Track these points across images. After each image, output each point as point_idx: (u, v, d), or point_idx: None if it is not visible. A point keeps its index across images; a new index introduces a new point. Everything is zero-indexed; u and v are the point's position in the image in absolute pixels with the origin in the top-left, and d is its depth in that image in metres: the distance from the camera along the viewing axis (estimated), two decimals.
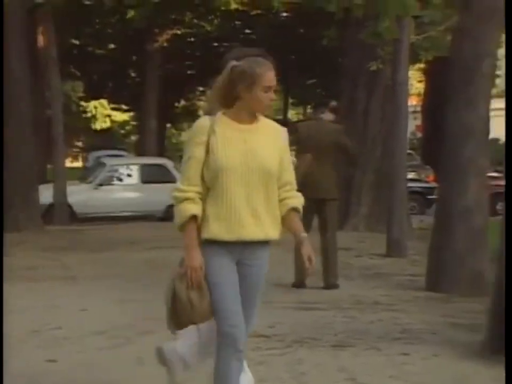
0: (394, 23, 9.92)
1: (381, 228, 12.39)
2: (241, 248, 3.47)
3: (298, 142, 8.13)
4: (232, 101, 3.48)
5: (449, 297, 7.68)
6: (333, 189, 8.17)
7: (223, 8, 20.59)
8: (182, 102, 35.20)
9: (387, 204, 11.63)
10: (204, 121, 3.52)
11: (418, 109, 30.40)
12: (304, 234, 3.51)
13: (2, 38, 12.77)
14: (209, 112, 3.54)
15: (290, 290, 7.94)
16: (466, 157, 8.18)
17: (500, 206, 14.70)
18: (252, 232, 3.46)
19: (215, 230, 3.43)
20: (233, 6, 19.61)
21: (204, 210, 3.46)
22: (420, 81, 35.00)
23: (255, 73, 3.45)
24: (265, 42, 21.75)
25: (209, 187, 3.46)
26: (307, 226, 8.25)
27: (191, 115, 36.89)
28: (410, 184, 14.75)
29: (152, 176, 17.14)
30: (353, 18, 12.35)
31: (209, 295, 3.43)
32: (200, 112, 41.28)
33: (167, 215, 16.68)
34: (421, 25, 11.94)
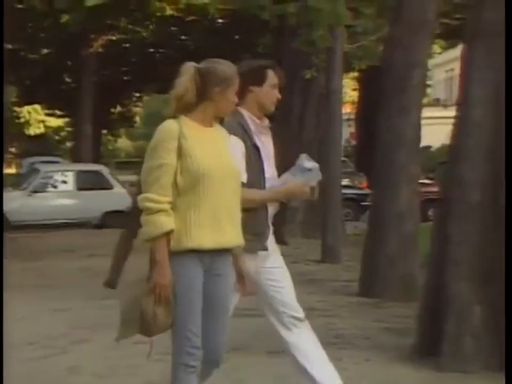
0: (327, 32, 10.07)
1: (316, 234, 12.52)
2: (213, 256, 3.38)
3: None
4: (197, 103, 3.40)
5: (381, 302, 7.82)
6: None
7: (158, 14, 20.54)
8: (118, 108, 34.93)
9: (322, 211, 11.77)
10: (171, 124, 3.37)
11: (353, 116, 30.82)
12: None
13: (2, 38, 12.56)
14: (173, 116, 3.41)
15: None
16: (398, 164, 8.36)
17: (431, 212, 15.00)
18: (231, 238, 3.40)
19: (198, 238, 3.31)
20: (169, 12, 19.59)
21: (182, 219, 3.31)
22: (354, 89, 35.45)
23: (229, 76, 3.43)
24: (200, 49, 21.81)
25: (183, 193, 3.32)
26: None
27: (127, 121, 36.63)
28: (344, 191, 14.92)
29: (87, 182, 16.98)
30: (287, 26, 12.48)
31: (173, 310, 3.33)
32: (137, 118, 41.10)
33: (103, 222, 16.55)
34: (354, 35, 12.14)
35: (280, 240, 4.06)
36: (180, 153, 3.31)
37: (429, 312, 5.32)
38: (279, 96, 3.98)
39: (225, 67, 3.44)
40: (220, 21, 23.67)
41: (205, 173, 3.31)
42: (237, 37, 24.73)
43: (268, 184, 3.89)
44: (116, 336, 3.46)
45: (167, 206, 3.28)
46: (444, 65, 43.62)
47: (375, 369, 5.19)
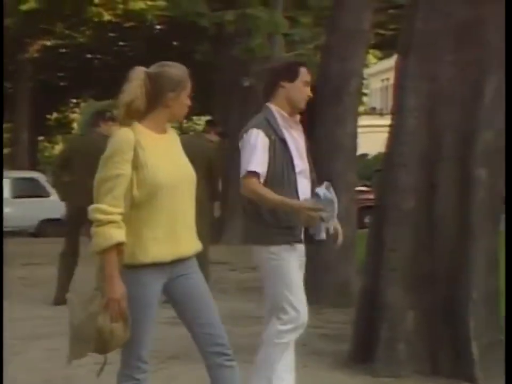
0: (266, 40, 10.14)
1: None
2: (174, 264, 3.32)
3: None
4: (148, 110, 3.28)
5: (318, 308, 7.85)
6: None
7: (95, 19, 20.36)
8: (55, 114, 34.47)
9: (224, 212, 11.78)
10: (127, 134, 3.23)
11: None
12: None
13: (2, 41, 12.27)
14: (126, 124, 3.27)
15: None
16: (335, 172, 8.44)
17: (368, 219, 15.20)
18: (190, 247, 3.35)
19: (155, 253, 3.23)
20: (106, 17, 19.43)
21: (137, 233, 3.21)
22: None
23: (183, 78, 3.33)
24: (139, 55, 21.67)
25: (138, 206, 3.22)
26: None
27: (64, 127, 36.15)
28: None
29: (23, 190, 16.71)
30: (226, 34, 12.52)
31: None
32: (74, 125, 40.58)
33: (40, 230, 16.31)
34: (292, 43, 12.26)
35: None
36: (136, 164, 3.20)
37: (364, 318, 5.39)
38: (310, 93, 4.07)
39: (177, 70, 3.33)
40: (158, 27, 23.60)
41: (162, 185, 3.21)
42: (175, 43, 24.68)
43: (299, 177, 4.03)
44: (67, 356, 3.33)
45: (118, 218, 3.17)
46: (380, 75, 44.27)
47: (312, 375, 5.21)
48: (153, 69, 3.33)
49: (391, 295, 5.12)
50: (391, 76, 5.96)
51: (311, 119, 9.93)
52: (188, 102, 3.37)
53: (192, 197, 3.36)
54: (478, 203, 5.06)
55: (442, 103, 5.10)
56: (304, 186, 4.11)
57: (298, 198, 4.01)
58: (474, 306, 4.97)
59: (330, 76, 8.47)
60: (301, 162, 4.06)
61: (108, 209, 3.16)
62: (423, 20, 5.08)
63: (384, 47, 26.68)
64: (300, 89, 4.01)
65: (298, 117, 4.11)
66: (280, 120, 4.02)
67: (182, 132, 37.75)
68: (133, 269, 3.22)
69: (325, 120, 8.54)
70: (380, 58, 35.38)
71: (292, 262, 4.05)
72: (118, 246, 3.17)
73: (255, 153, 4.01)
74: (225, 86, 14.78)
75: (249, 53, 10.51)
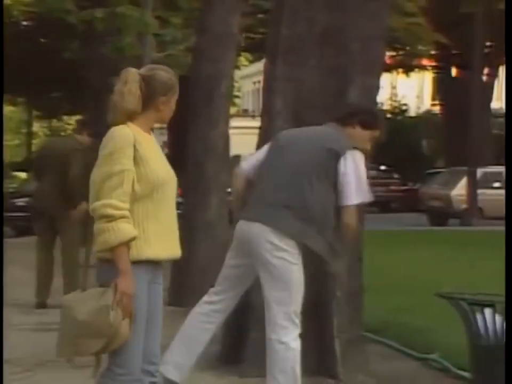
0: (135, 40, 10.05)
1: None
2: (157, 267, 3.33)
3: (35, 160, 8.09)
4: (140, 111, 3.31)
5: (191, 310, 7.84)
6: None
7: None
8: None
9: None
10: (126, 130, 3.25)
11: (165, 125, 30.82)
12: None
13: (2, 39, 11.41)
14: (117, 123, 3.29)
15: (31, 311, 7.72)
16: (208, 173, 8.46)
17: None
18: (178, 248, 3.39)
19: (158, 249, 3.25)
20: None
21: (140, 227, 3.21)
22: None
23: (174, 83, 3.36)
24: (5, 52, 20.92)
25: (139, 201, 3.23)
26: (50, 246, 8.16)
27: None
28: None
29: None
30: (96, 32, 12.31)
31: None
32: None
33: None
34: (163, 44, 12.20)
35: None
36: (136, 159, 3.23)
37: (233, 318, 5.41)
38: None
39: (169, 74, 3.37)
40: (25, 23, 22.94)
41: (161, 180, 3.27)
42: (43, 40, 24.05)
43: None
44: (67, 357, 3.26)
45: (127, 213, 3.18)
46: (252, 77, 44.79)
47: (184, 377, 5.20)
48: (145, 71, 3.36)
49: (259, 295, 5.16)
50: (262, 78, 6.03)
51: (183, 121, 9.92)
52: (174, 107, 3.40)
53: (175, 201, 3.40)
54: None
55: (308, 106, 5.19)
56: None
57: None
58: (338, 304, 5.09)
59: (201, 77, 8.47)
60: None
61: (119, 205, 3.16)
62: (288, 25, 5.16)
63: (255, 50, 26.99)
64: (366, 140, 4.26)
65: None
66: None
67: (51, 132, 36.89)
68: (135, 264, 3.21)
69: (197, 122, 8.54)
70: (251, 61, 35.79)
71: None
72: (128, 242, 3.17)
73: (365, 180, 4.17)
74: (96, 85, 14.54)
75: (119, 52, 10.36)
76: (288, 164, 4.07)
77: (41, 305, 7.90)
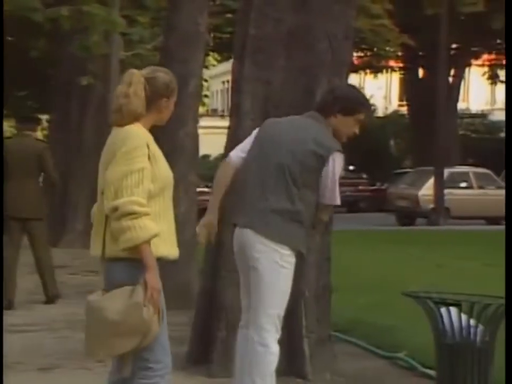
0: (102, 38, 9.99)
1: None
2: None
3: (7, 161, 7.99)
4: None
5: None
6: (38, 208, 8.11)
7: None
8: None
9: None
10: (141, 129, 3.30)
11: None
12: None
13: (2, 39, 11.21)
14: (123, 124, 3.31)
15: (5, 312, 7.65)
16: (177, 173, 8.38)
17: None
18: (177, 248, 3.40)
19: (165, 248, 3.29)
20: None
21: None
22: None
23: (175, 85, 3.40)
24: None
25: (151, 200, 3.26)
26: (16, 246, 8.10)
27: None
28: None
29: None
30: (63, 31, 12.23)
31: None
32: None
33: None
34: (130, 43, 12.16)
35: None
36: (150, 158, 3.27)
37: (203, 319, 5.41)
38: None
39: (171, 76, 3.39)
40: None
41: (169, 180, 3.35)
42: (9, 39, 23.79)
43: None
44: (101, 358, 3.33)
45: (149, 210, 3.21)
46: (221, 77, 44.78)
47: None
48: (148, 73, 3.38)
49: (229, 296, 5.17)
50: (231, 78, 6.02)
51: None
52: (172, 108, 3.45)
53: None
54: None
55: (276, 106, 5.20)
56: None
57: None
58: (306, 304, 5.11)
59: None
60: None
61: (143, 202, 3.19)
62: (256, 25, 5.16)
63: (223, 50, 26.98)
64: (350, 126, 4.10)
65: None
66: None
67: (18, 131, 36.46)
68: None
69: (166, 122, 8.51)
70: (220, 61, 35.75)
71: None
72: (152, 239, 3.20)
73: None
74: (64, 83, 14.44)
75: (86, 50, 10.31)
76: (276, 165, 3.97)
77: (10, 305, 7.84)
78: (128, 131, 3.30)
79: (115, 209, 3.18)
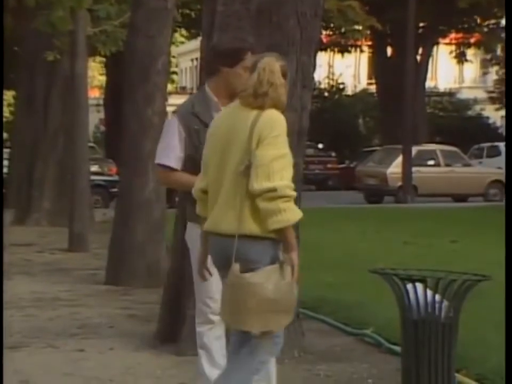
0: (68, 14, 9.87)
1: (64, 222, 12.28)
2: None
3: None
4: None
5: (128, 289, 7.84)
6: None
7: None
8: None
9: (69, 198, 11.55)
10: (281, 115, 3.46)
11: (102, 101, 30.45)
12: None
13: (2, 39, 10.86)
14: (263, 108, 3.43)
15: None
16: (145, 151, 8.40)
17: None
18: None
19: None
20: None
21: None
22: (101, 74, 35.03)
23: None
24: None
25: None
26: None
27: None
28: (93, 178, 14.78)
29: None
30: (27, 7, 12.05)
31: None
32: None
33: None
34: (97, 19, 12.02)
35: None
36: None
37: (172, 297, 5.41)
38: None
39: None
40: None
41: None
42: None
43: None
44: (258, 330, 3.36)
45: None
46: (190, 54, 44.48)
47: (118, 357, 5.20)
48: (283, 63, 3.53)
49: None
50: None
51: (120, 98, 9.81)
52: None
53: None
54: None
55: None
56: None
57: None
58: None
59: (137, 54, 8.38)
60: None
61: (293, 186, 3.37)
62: (224, 2, 5.11)
63: (192, 26, 26.76)
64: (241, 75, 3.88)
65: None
66: (214, 106, 3.92)
67: None
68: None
69: (133, 99, 8.46)
70: (189, 38, 35.47)
71: None
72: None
73: (167, 145, 3.99)
74: (29, 60, 14.26)
75: (51, 26, 10.18)
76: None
77: None
78: (272, 116, 3.43)
79: (272, 190, 3.31)
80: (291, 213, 3.34)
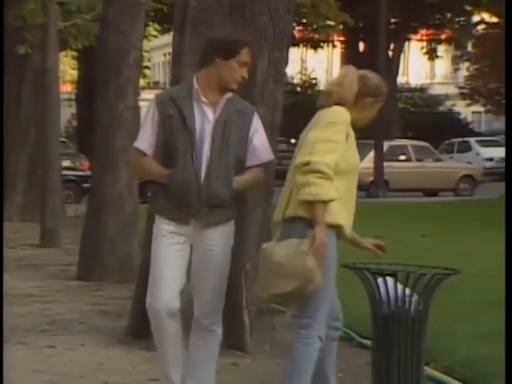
0: (39, 7, 9.79)
1: (35, 218, 12.19)
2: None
3: None
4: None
5: (100, 285, 7.81)
6: None
7: None
8: None
9: (41, 193, 11.48)
10: (346, 112, 3.67)
11: (74, 96, 30.25)
12: None
13: (2, 38, 10.60)
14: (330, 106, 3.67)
15: None
16: (118, 145, 8.38)
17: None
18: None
19: (342, 219, 3.64)
20: None
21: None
22: (73, 68, 34.79)
23: (385, 90, 3.84)
24: None
25: (336, 177, 3.57)
26: None
27: None
28: (65, 173, 14.69)
29: None
30: None
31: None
32: None
33: None
34: (68, 13, 11.93)
35: None
36: (346, 140, 3.60)
37: (144, 292, 5.36)
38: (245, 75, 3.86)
39: (381, 81, 3.84)
40: None
41: (356, 166, 3.70)
42: None
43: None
44: (265, 296, 3.76)
45: (333, 177, 3.53)
46: (162, 49, 44.29)
47: (89, 353, 5.20)
48: (362, 72, 3.82)
49: None
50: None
51: (92, 93, 9.76)
52: (375, 114, 3.82)
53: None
54: None
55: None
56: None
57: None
58: (247, 276, 5.15)
59: (109, 48, 8.34)
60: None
61: (332, 166, 3.51)
62: None
63: (165, 21, 26.66)
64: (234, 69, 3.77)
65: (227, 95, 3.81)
66: (194, 94, 3.77)
67: None
68: (331, 228, 3.58)
69: (105, 94, 8.43)
70: (160, 32, 35.33)
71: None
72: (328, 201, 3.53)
73: (143, 128, 3.89)
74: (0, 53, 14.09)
75: (21, 20, 10.10)
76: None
77: None
78: (336, 109, 3.65)
79: (307, 163, 3.50)
80: (322, 189, 3.49)
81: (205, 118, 3.78)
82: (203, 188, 3.76)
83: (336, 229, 3.64)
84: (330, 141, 3.53)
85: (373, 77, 3.78)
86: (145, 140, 3.85)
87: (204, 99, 3.78)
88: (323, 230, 3.51)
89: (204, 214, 3.79)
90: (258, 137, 3.93)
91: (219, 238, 3.87)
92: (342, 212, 3.63)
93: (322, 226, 3.51)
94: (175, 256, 3.85)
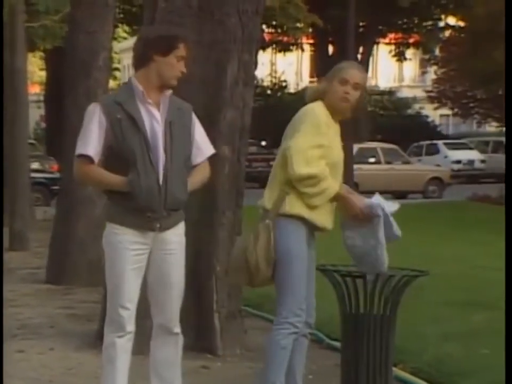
0: (6, 8, 9.70)
1: (4, 221, 12.05)
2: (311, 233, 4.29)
3: None
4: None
5: (70, 288, 7.76)
6: None
7: None
8: None
9: (9, 196, 11.37)
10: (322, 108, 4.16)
11: (42, 98, 30.02)
12: None
13: (2, 37, 10.41)
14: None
15: None
16: None
17: None
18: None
19: (318, 218, 4.15)
20: None
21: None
22: (42, 69, 34.52)
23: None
24: None
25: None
26: None
27: None
28: (34, 175, 14.56)
29: None
30: None
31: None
32: None
33: None
34: (36, 13, 11.84)
35: None
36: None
37: None
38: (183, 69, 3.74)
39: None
40: None
41: (336, 160, 4.09)
42: None
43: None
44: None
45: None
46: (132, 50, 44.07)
47: (58, 357, 5.16)
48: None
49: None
50: None
51: (61, 94, 9.69)
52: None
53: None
54: (222, 179, 5.21)
55: (186, 81, 5.15)
56: None
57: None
58: (217, 278, 5.14)
59: (77, 49, 8.30)
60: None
61: (326, 169, 4.02)
62: None
63: (134, 23, 26.58)
64: (173, 65, 3.68)
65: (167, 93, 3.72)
66: (139, 96, 3.68)
67: None
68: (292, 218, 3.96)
69: (75, 95, 8.38)
70: (131, 34, 35.19)
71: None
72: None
73: (86, 133, 3.67)
74: None
75: None
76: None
77: None
78: (313, 106, 4.08)
79: (313, 177, 3.89)
80: (332, 189, 4.08)
81: (153, 119, 3.71)
82: (163, 191, 3.68)
83: (297, 219, 3.91)
84: (319, 146, 3.90)
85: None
86: (92, 147, 3.66)
87: (149, 100, 3.71)
88: (351, 200, 4.05)
89: (164, 218, 3.71)
90: (199, 133, 3.87)
91: (178, 241, 3.80)
92: (322, 209, 3.99)
93: (347, 198, 4.06)
94: (138, 272, 3.75)
